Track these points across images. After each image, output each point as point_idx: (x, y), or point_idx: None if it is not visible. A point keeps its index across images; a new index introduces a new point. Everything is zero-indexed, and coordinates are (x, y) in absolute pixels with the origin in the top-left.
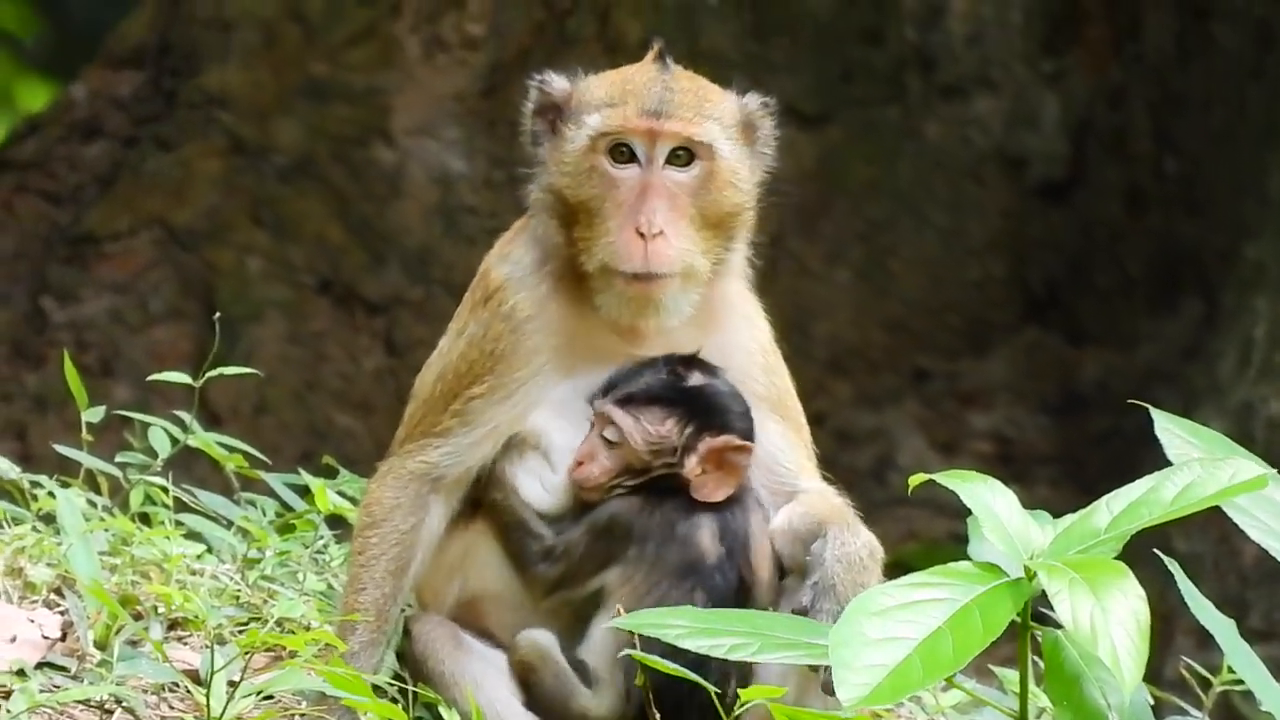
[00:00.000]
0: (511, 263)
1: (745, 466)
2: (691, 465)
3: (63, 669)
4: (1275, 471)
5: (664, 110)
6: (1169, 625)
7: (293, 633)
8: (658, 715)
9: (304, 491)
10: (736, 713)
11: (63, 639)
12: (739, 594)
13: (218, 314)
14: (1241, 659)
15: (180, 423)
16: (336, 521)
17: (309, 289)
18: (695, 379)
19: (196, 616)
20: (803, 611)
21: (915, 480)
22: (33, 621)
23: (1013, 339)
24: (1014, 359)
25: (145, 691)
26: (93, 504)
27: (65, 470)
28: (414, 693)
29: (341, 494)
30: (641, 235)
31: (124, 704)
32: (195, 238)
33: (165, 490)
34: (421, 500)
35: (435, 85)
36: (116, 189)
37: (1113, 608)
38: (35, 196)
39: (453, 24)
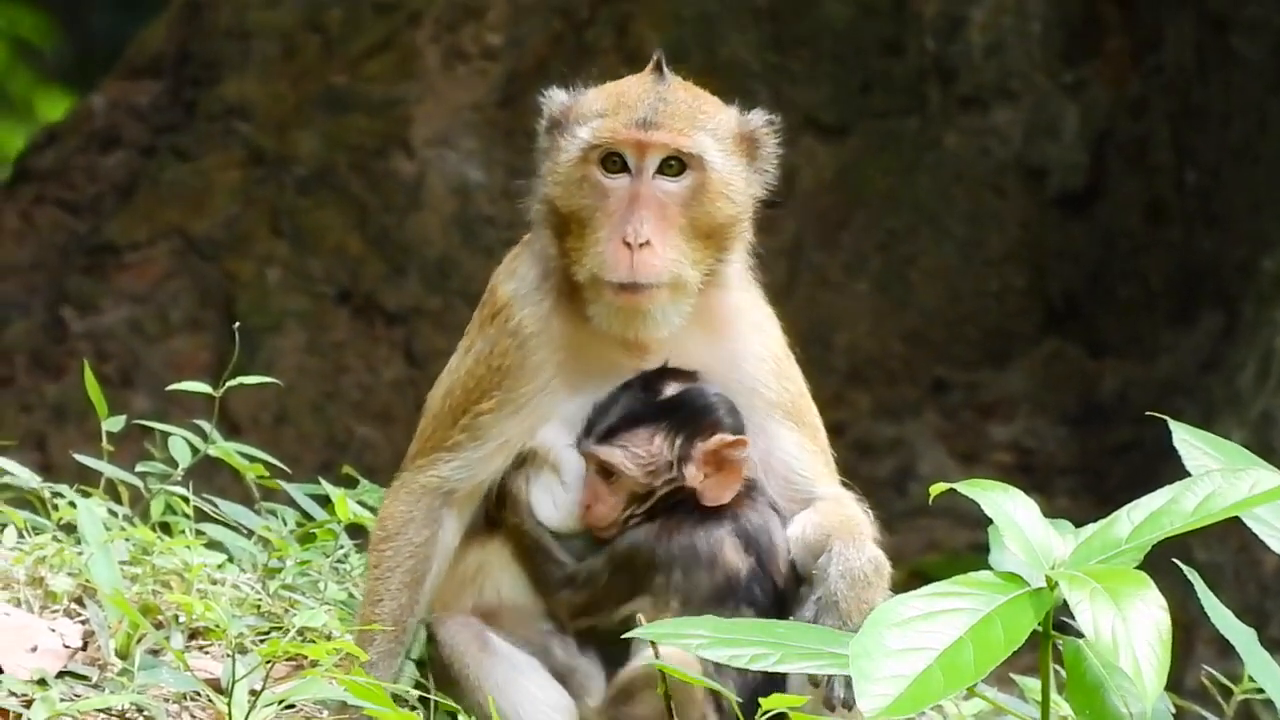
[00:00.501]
0: (516, 279)
1: (744, 460)
2: (693, 473)
3: (84, 678)
4: None
5: (654, 121)
6: (1190, 635)
7: (314, 642)
8: None
9: (324, 501)
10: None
11: (84, 648)
12: (777, 601)
13: (237, 324)
14: (1262, 668)
15: (201, 432)
16: (357, 531)
17: (328, 299)
18: (671, 389)
19: (218, 626)
20: None
21: (936, 489)
22: (54, 631)
23: (1032, 350)
24: (1033, 370)
25: (166, 700)
26: (113, 513)
27: (86, 480)
28: (435, 702)
29: (362, 503)
30: (628, 245)
31: (145, 713)
32: (214, 248)
33: (186, 500)
34: (434, 513)
35: (454, 96)
36: (135, 199)
37: (1134, 617)
38: (54, 206)
39: (471, 34)
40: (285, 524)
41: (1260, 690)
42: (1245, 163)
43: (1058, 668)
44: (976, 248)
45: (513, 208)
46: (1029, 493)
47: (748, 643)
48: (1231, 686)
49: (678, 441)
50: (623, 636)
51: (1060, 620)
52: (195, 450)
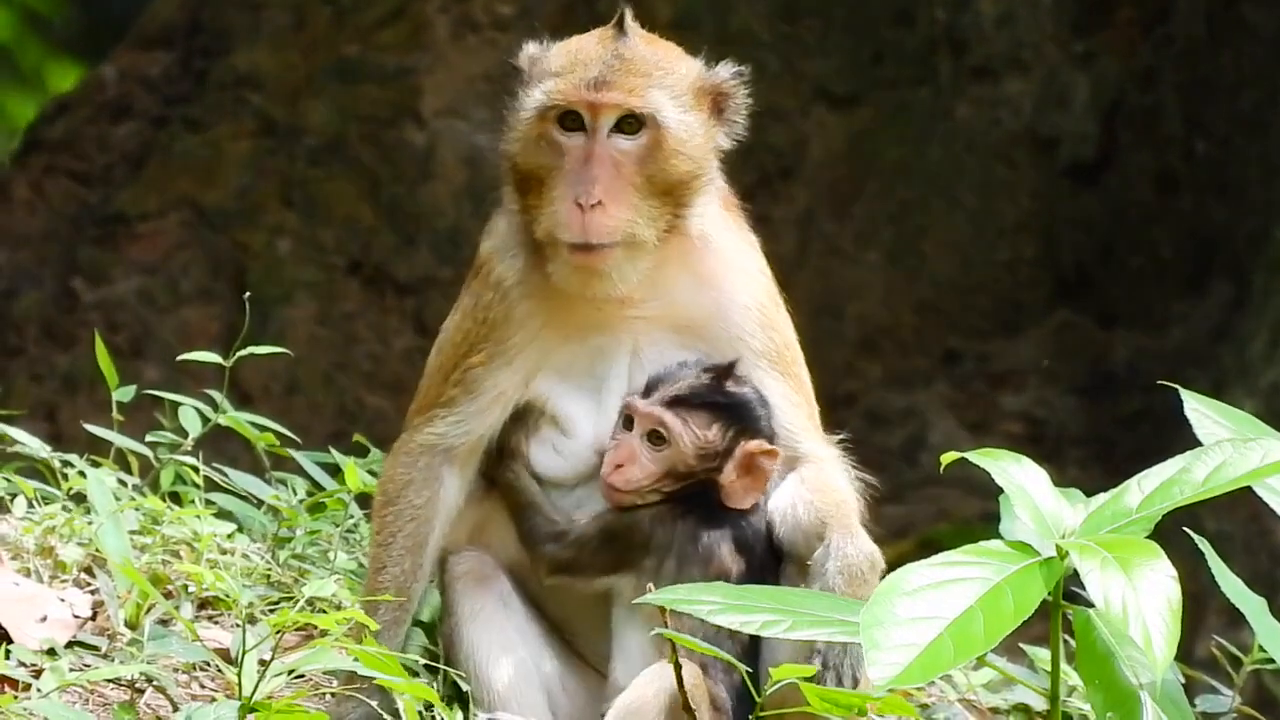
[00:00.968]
0: (494, 235)
1: (772, 471)
2: (728, 470)
3: (93, 648)
4: None
5: (607, 80)
6: (1200, 604)
7: (323, 612)
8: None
9: (334, 470)
10: (768, 691)
11: (93, 618)
12: None
13: (248, 294)
14: (1272, 638)
15: (211, 402)
16: (367, 500)
17: (339, 270)
18: (733, 385)
19: (227, 595)
20: None
21: (947, 459)
22: (63, 600)
23: (1043, 320)
24: (1044, 340)
25: (176, 670)
26: (123, 483)
27: (96, 450)
28: (444, 671)
29: (372, 473)
30: (580, 206)
31: (155, 683)
32: (225, 218)
33: (196, 470)
34: (434, 473)
35: (465, 66)
36: (146, 170)
37: (1144, 587)
38: (65, 177)
39: (482, 5)
40: (295, 494)
41: (1270, 660)
42: (1256, 132)
43: (1068, 637)
44: (987, 218)
45: None
46: (1040, 462)
47: (758, 609)
48: (1241, 656)
49: (728, 434)
50: (633, 602)
51: (1070, 590)
52: (205, 420)
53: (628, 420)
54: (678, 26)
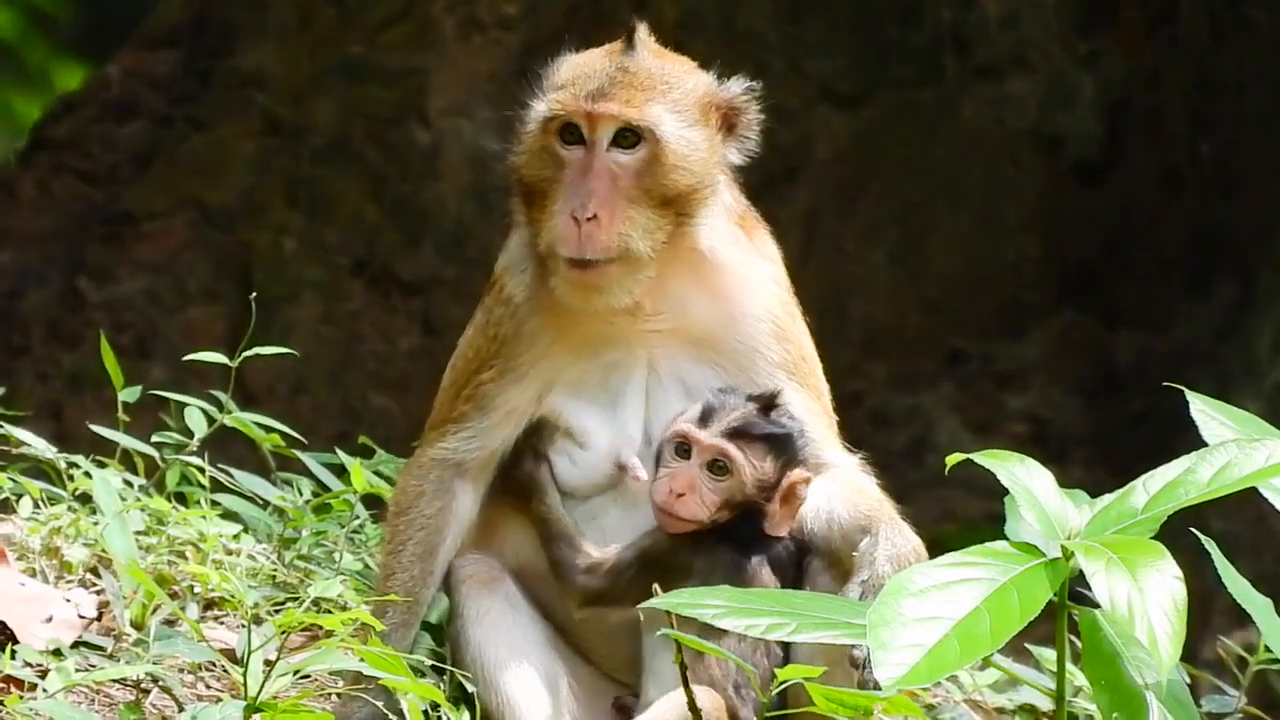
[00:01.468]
0: (508, 251)
1: (804, 499)
2: (777, 499)
3: (99, 648)
4: None
5: (606, 93)
6: (1206, 605)
7: (329, 612)
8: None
9: (340, 471)
10: (773, 690)
11: (99, 618)
12: None
13: (253, 294)
14: (1278, 638)
15: (216, 402)
16: (372, 501)
17: (344, 269)
18: (778, 414)
19: (233, 596)
20: None
21: (952, 460)
22: (69, 601)
23: (1048, 320)
24: (1049, 340)
25: (181, 671)
26: (129, 484)
27: (101, 450)
28: (450, 671)
29: (378, 473)
30: (577, 220)
31: (160, 683)
32: (231, 218)
33: (201, 470)
34: (446, 485)
35: (470, 65)
36: (152, 169)
37: (1150, 588)
38: (71, 176)
39: (488, 4)
40: (301, 494)
41: (1277, 660)
42: (1261, 132)
43: (1073, 638)
44: (992, 218)
45: None
46: (1045, 463)
47: (764, 612)
48: (1247, 656)
49: (779, 465)
50: (637, 607)
51: (1076, 590)
52: (211, 420)
53: (681, 448)
54: (683, 26)
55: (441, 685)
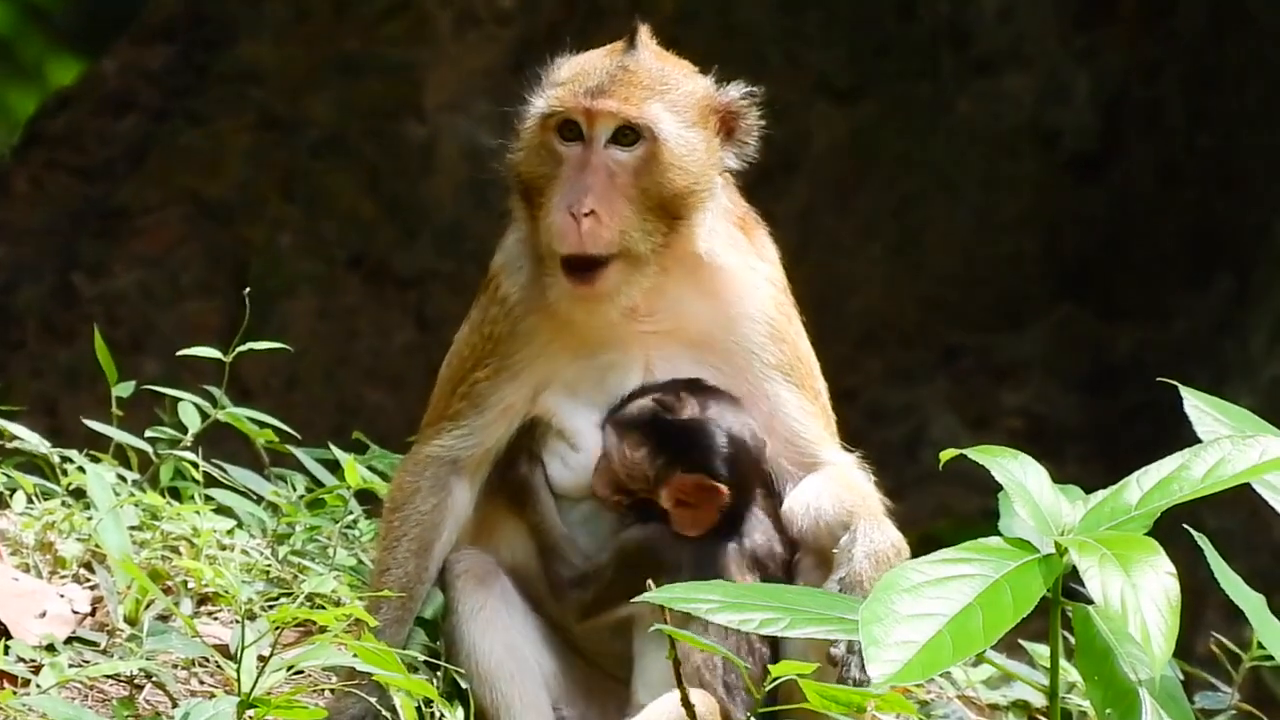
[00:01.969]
0: (504, 250)
1: (720, 507)
2: (665, 497)
3: (92, 644)
4: None
5: (605, 90)
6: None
7: (323, 608)
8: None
9: (334, 467)
10: (767, 687)
11: (92, 614)
12: None
13: (248, 289)
14: (1272, 635)
15: (211, 398)
16: (366, 497)
17: (340, 264)
18: (687, 411)
19: (226, 591)
20: None
21: (947, 455)
22: (63, 596)
23: (1045, 314)
24: (1046, 334)
25: (175, 666)
26: (123, 479)
27: (95, 445)
28: (444, 667)
29: (372, 469)
30: (574, 216)
31: (154, 679)
32: (226, 212)
33: (195, 465)
34: (441, 482)
35: (467, 60)
36: (147, 163)
37: (1143, 584)
38: (66, 171)
39: None
40: (295, 489)
41: (1269, 657)
42: (1259, 126)
43: (1067, 634)
44: (989, 212)
45: None
46: (1040, 458)
47: (757, 607)
48: (1241, 653)
49: (658, 462)
50: (631, 601)
51: (1070, 586)
52: (205, 415)
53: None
54: (680, 20)
55: (436, 681)
